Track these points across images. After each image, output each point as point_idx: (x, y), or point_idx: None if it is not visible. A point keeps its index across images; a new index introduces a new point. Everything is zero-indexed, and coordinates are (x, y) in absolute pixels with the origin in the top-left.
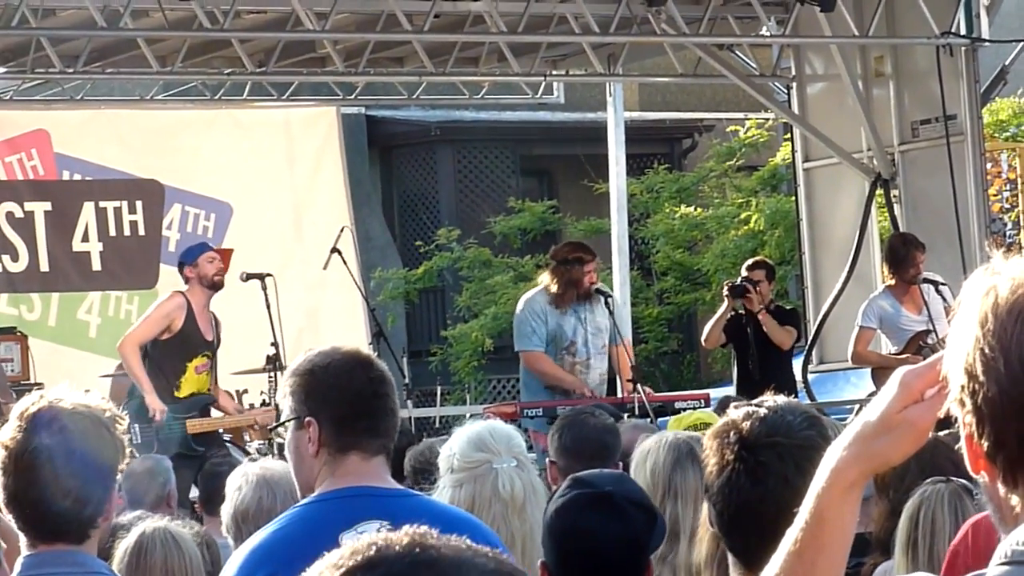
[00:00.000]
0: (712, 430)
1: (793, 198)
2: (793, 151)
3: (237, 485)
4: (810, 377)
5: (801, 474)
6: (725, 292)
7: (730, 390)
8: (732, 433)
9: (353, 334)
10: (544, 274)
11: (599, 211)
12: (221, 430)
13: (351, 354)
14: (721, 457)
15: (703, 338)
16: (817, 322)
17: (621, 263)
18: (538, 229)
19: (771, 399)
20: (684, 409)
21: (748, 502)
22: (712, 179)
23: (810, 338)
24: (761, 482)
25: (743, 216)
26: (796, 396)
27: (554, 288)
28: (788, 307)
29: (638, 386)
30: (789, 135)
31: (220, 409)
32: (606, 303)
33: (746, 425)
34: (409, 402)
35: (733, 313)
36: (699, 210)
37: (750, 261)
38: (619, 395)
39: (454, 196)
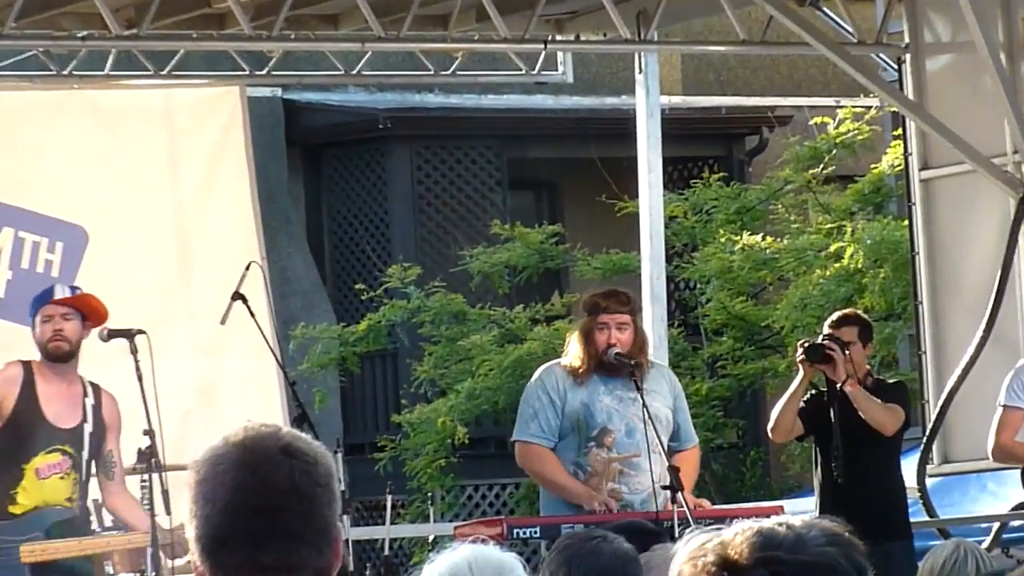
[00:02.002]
0: (686, 553)
1: (906, 222)
2: (906, 154)
3: None
4: (930, 482)
5: None
6: (799, 356)
7: (811, 502)
8: (712, 552)
9: (263, 419)
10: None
11: (623, 241)
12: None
13: (234, 447)
14: None
15: (770, 427)
16: (940, 402)
17: (656, 316)
18: (534, 267)
19: (792, 517)
20: None
21: None
22: (788, 195)
23: (929, 426)
24: None
25: (833, 249)
26: (903, 508)
27: (574, 353)
28: (892, 380)
29: (680, 495)
30: (900, 131)
31: (121, 520)
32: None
33: (735, 540)
34: (346, 518)
35: (813, 391)
36: (769, 240)
37: (836, 315)
38: (654, 508)
39: (412, 218)
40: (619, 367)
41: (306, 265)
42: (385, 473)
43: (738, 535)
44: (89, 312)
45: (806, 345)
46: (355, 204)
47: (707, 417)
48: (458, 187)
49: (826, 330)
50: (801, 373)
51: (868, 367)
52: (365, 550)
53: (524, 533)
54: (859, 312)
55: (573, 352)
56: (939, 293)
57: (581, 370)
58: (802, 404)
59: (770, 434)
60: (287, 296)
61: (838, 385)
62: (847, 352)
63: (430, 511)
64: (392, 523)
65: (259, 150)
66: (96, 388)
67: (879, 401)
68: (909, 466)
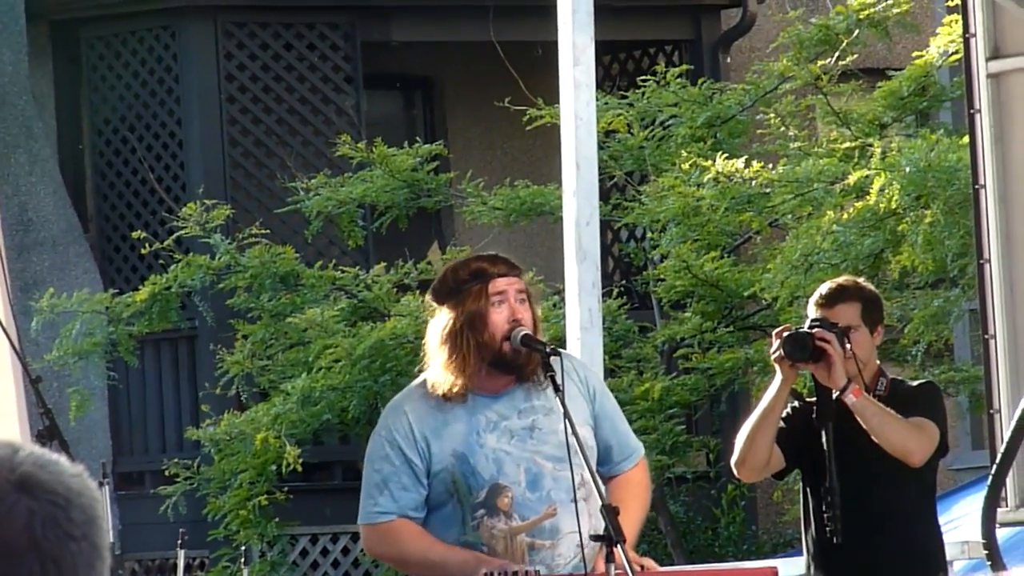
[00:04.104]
0: None
1: (966, 139)
2: (966, 36)
3: None
4: (1002, 534)
5: None
6: (775, 352)
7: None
8: None
9: None
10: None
11: (535, 168)
12: None
13: None
14: None
15: (734, 459)
16: (1018, 413)
17: (585, 281)
18: (402, 206)
19: None
20: None
21: None
22: (786, 98)
23: (1001, 449)
24: None
25: (854, 179)
26: None
27: (441, 362)
28: (918, 382)
29: (619, 549)
30: (957, 0)
31: None
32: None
33: None
34: None
35: (795, 404)
36: (756, 166)
37: (826, 287)
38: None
39: (217, 132)
40: (518, 363)
41: (57, 202)
42: (176, 516)
43: None
44: None
45: (785, 335)
46: (132, 111)
47: (662, 433)
48: (287, 86)
49: (813, 311)
50: (779, 377)
51: (879, 364)
52: None
53: None
54: (860, 281)
55: (439, 362)
56: (1016, 247)
57: (456, 390)
58: (782, 423)
59: (735, 470)
60: (28, 248)
61: (835, 394)
62: (848, 344)
63: (244, 574)
64: None
65: None
66: None
67: (897, 415)
68: (969, 509)
